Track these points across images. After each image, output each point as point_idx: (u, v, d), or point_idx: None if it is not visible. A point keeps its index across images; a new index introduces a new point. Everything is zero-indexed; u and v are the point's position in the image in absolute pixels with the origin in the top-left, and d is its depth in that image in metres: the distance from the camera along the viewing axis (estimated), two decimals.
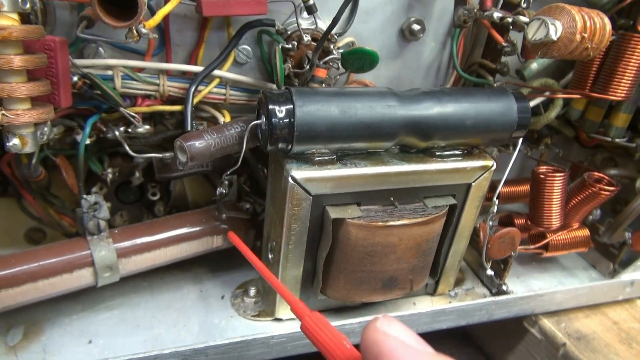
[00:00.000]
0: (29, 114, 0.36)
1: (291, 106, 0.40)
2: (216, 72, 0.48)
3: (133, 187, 0.56)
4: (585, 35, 0.43)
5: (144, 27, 0.35)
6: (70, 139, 0.48)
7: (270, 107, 0.40)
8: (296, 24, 0.48)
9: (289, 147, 0.41)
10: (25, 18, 0.39)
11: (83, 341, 0.47)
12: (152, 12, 0.44)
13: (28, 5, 0.35)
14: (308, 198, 0.43)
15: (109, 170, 0.51)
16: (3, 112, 0.35)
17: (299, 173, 0.42)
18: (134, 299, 0.52)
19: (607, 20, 0.45)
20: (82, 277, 0.46)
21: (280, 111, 0.40)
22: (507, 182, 0.68)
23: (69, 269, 0.45)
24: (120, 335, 0.48)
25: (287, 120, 0.40)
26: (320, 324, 0.27)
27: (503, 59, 0.56)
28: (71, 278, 0.45)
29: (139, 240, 0.48)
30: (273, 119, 0.40)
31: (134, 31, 0.35)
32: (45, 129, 0.39)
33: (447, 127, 0.45)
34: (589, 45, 0.44)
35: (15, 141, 0.37)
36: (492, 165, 0.48)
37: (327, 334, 0.26)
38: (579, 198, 0.57)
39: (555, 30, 0.42)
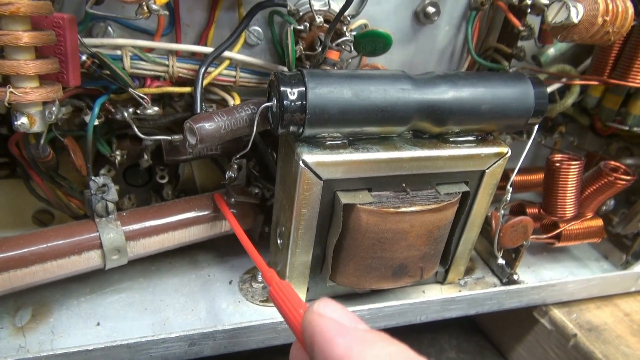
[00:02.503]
0: (37, 92, 0.35)
1: (303, 88, 0.39)
2: (226, 53, 0.47)
3: (141, 169, 0.55)
4: (607, 18, 0.42)
5: (155, 2, 0.34)
6: (79, 120, 0.48)
7: (282, 89, 0.39)
8: (308, 5, 0.47)
9: (300, 130, 0.41)
10: None
11: (91, 323, 0.47)
12: None
13: None
14: (319, 182, 0.42)
15: (117, 152, 0.50)
16: (11, 89, 0.34)
17: (310, 157, 0.41)
18: (142, 283, 0.52)
19: (629, 4, 0.43)
20: (90, 260, 0.45)
21: (292, 93, 0.39)
22: (521, 171, 0.67)
23: (77, 250, 0.44)
24: (128, 319, 0.47)
25: (299, 102, 0.39)
26: (285, 293, 0.29)
27: (519, 43, 0.54)
28: (79, 260, 0.45)
29: (147, 223, 0.48)
30: (284, 101, 0.39)
31: (145, 7, 0.34)
32: (54, 108, 0.39)
33: (462, 112, 0.44)
34: (610, 30, 0.43)
35: (23, 120, 0.36)
36: (507, 152, 0.47)
37: (289, 302, 0.27)
38: (594, 187, 0.56)
39: (577, 12, 0.41)
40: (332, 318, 0.22)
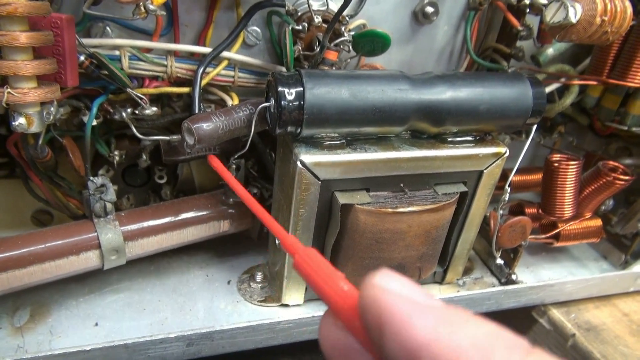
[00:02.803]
0: (35, 92, 0.35)
1: (301, 88, 0.39)
2: (225, 53, 0.47)
3: (140, 170, 0.55)
4: (606, 18, 0.42)
5: (152, 3, 0.34)
6: (77, 120, 0.48)
7: (280, 89, 0.39)
8: (307, 5, 0.47)
9: (298, 130, 0.41)
10: None
11: (89, 323, 0.47)
12: None
13: None
14: (317, 183, 0.42)
15: (116, 152, 0.50)
16: (9, 90, 0.34)
17: (308, 157, 0.41)
18: (140, 283, 0.52)
19: (628, 4, 0.43)
20: (88, 260, 0.45)
21: (290, 93, 0.39)
22: (520, 171, 0.67)
23: (75, 251, 0.44)
24: (127, 319, 0.48)
25: (297, 102, 0.39)
26: (314, 263, 0.23)
27: (518, 43, 0.54)
28: (78, 260, 0.45)
29: (145, 224, 0.48)
30: (282, 102, 0.39)
31: (142, 7, 0.34)
32: (52, 108, 0.39)
33: (460, 112, 0.44)
34: (609, 29, 0.43)
35: (21, 120, 0.36)
36: (505, 152, 0.47)
37: (321, 274, 0.22)
38: (593, 187, 0.56)
39: (575, 12, 0.41)
40: (403, 294, 0.18)
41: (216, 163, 0.44)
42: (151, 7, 0.34)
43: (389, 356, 0.17)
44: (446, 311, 0.18)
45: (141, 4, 0.33)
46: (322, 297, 0.22)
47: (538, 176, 0.66)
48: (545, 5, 0.42)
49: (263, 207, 0.34)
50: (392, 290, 0.18)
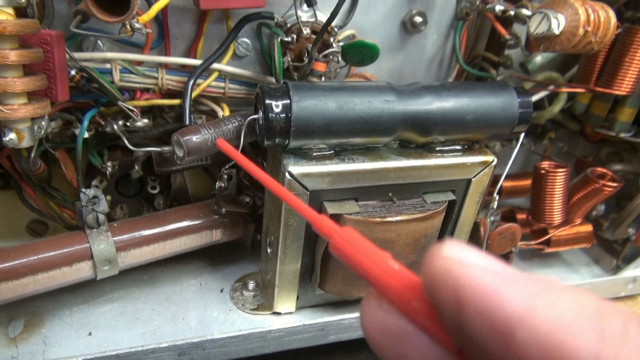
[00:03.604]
0: (25, 108, 0.36)
1: (288, 101, 0.40)
2: (215, 65, 0.48)
3: (133, 180, 0.56)
4: (589, 29, 0.42)
5: (138, 22, 0.35)
6: (70, 132, 0.48)
7: (267, 101, 0.39)
8: (296, 17, 0.47)
9: (286, 142, 0.41)
10: (22, 12, 0.39)
11: (83, 333, 0.47)
12: (150, 3, 0.44)
13: (23, 0, 0.35)
14: (305, 193, 0.42)
15: (109, 163, 0.51)
16: None
17: (296, 168, 0.41)
18: (133, 292, 0.53)
19: (612, 14, 0.44)
20: (81, 270, 0.46)
21: (277, 106, 0.40)
22: (511, 176, 0.67)
23: (68, 262, 0.45)
24: (120, 328, 0.48)
25: (284, 115, 0.40)
26: (356, 242, 0.21)
27: (507, 52, 0.55)
28: (70, 271, 0.45)
29: (138, 234, 0.48)
30: (270, 114, 0.39)
31: (127, 26, 0.34)
32: (43, 123, 0.39)
33: (447, 123, 0.44)
34: (593, 39, 0.43)
35: (12, 136, 0.37)
36: (493, 161, 0.48)
37: (366, 254, 0.20)
38: (582, 194, 0.56)
39: (558, 24, 0.41)
40: (482, 265, 0.16)
41: (225, 146, 0.41)
42: (137, 25, 0.35)
43: (472, 335, 0.15)
44: (537, 280, 0.15)
45: (127, 22, 0.34)
46: (369, 277, 0.20)
47: (530, 182, 0.66)
48: (529, 17, 0.43)
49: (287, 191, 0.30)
50: (467, 261, 0.16)
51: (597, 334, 0.13)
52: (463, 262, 0.16)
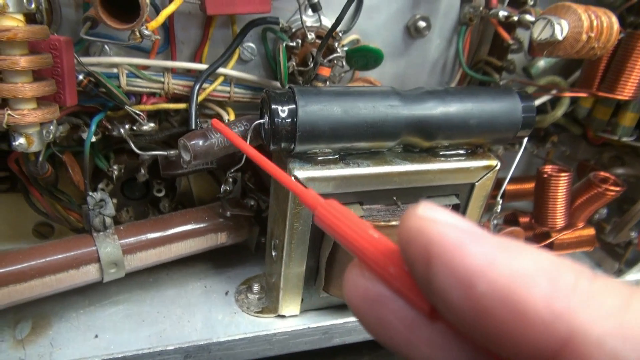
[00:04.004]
0: (35, 113, 0.36)
1: (294, 106, 0.40)
2: (220, 69, 0.48)
3: (139, 183, 0.56)
4: (592, 34, 0.43)
5: (147, 28, 0.35)
6: (77, 136, 0.49)
7: (273, 106, 0.40)
8: (300, 22, 0.48)
9: (292, 146, 0.42)
10: (31, 17, 0.39)
11: (89, 335, 0.48)
12: (157, 10, 0.44)
13: (33, 6, 0.35)
14: (310, 189, 0.43)
15: (115, 166, 0.51)
16: (9, 112, 0.35)
17: (302, 172, 0.42)
18: (139, 295, 0.53)
19: (614, 19, 0.44)
20: (88, 273, 0.46)
21: (283, 111, 0.40)
22: (514, 180, 0.67)
23: (75, 265, 0.45)
24: (126, 331, 0.48)
25: (290, 120, 0.40)
26: (339, 213, 0.22)
27: (510, 56, 0.55)
28: (77, 274, 0.46)
29: (144, 237, 0.49)
30: (275, 119, 0.40)
31: (137, 33, 0.35)
32: (51, 127, 0.40)
33: (451, 127, 0.45)
34: (596, 45, 0.44)
35: (21, 140, 0.37)
36: (496, 165, 0.48)
37: (347, 223, 0.21)
38: (584, 198, 0.56)
39: (561, 29, 0.41)
40: (452, 223, 0.16)
41: (220, 126, 0.40)
42: (146, 32, 0.35)
43: (439, 289, 0.16)
44: (501, 239, 0.16)
45: (136, 29, 0.34)
46: (350, 246, 0.21)
47: (532, 185, 0.66)
48: (533, 23, 0.43)
49: (277, 166, 0.30)
50: (439, 219, 0.17)
51: (550, 285, 0.14)
52: (435, 220, 0.17)
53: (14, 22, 0.34)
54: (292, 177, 0.41)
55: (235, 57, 0.50)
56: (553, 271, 0.15)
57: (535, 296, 0.14)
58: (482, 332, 0.15)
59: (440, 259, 0.16)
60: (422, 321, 0.17)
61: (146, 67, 0.47)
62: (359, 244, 0.20)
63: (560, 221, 0.56)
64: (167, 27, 0.47)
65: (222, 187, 0.51)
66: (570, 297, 0.14)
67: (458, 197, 0.49)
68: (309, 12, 0.49)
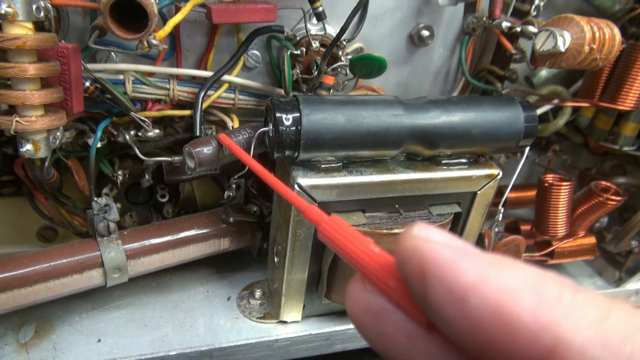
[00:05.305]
0: (42, 120, 0.37)
1: (298, 114, 0.41)
2: (225, 77, 0.49)
3: (143, 188, 0.57)
4: (594, 46, 0.43)
5: (154, 38, 0.36)
6: (82, 141, 0.49)
7: (277, 115, 0.40)
8: (305, 30, 0.48)
9: (296, 154, 0.42)
10: (39, 25, 0.40)
11: (92, 340, 0.48)
12: (163, 18, 0.45)
13: (42, 14, 0.36)
14: (314, 205, 0.43)
15: (119, 172, 0.52)
16: (17, 118, 0.36)
17: (305, 180, 0.42)
18: (142, 299, 0.53)
19: (616, 31, 0.44)
20: (92, 278, 0.47)
21: (287, 119, 0.40)
22: (516, 187, 0.68)
23: (79, 269, 0.46)
24: (129, 335, 0.49)
25: (294, 128, 0.40)
26: (341, 229, 0.23)
27: (512, 65, 0.56)
28: (81, 278, 0.46)
29: (147, 242, 0.49)
30: (280, 127, 0.40)
31: (145, 42, 0.35)
32: (58, 133, 0.40)
33: (453, 136, 0.45)
34: (598, 56, 0.44)
35: (28, 147, 0.38)
36: (498, 174, 0.48)
37: (350, 239, 0.22)
38: (585, 207, 0.57)
39: (564, 41, 0.42)
40: (445, 242, 0.18)
41: (228, 141, 0.42)
42: (154, 42, 0.36)
43: (434, 304, 0.17)
44: (491, 256, 0.17)
45: (144, 39, 0.35)
46: (352, 260, 0.22)
47: (534, 193, 0.67)
48: (535, 34, 0.44)
49: (283, 184, 0.32)
50: (433, 238, 0.18)
51: (536, 298, 0.15)
52: (428, 239, 0.18)
53: (24, 30, 0.34)
54: (296, 185, 0.42)
55: (240, 64, 0.50)
56: (539, 285, 0.16)
57: (523, 309, 0.15)
58: (475, 344, 0.16)
59: (435, 276, 0.17)
60: (420, 333, 0.18)
61: (152, 74, 0.48)
62: (360, 259, 0.21)
63: (561, 230, 0.56)
64: (173, 35, 0.47)
65: (226, 193, 0.51)
66: (555, 308, 0.15)
67: (460, 206, 0.49)
68: (314, 20, 0.49)
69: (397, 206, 0.47)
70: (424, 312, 0.18)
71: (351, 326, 0.51)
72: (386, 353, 0.19)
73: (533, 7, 0.50)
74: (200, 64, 0.50)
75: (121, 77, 0.46)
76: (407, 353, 0.18)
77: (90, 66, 0.44)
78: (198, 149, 0.42)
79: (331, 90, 0.50)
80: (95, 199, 0.47)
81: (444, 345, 0.18)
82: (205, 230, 0.52)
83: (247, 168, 0.48)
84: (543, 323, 0.15)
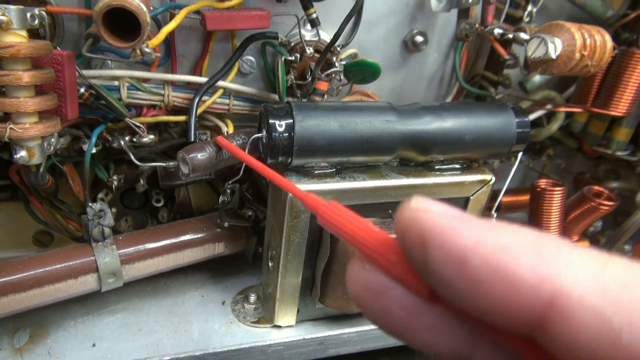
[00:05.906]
0: (36, 127, 0.37)
1: (291, 121, 0.41)
2: (220, 82, 0.49)
3: (138, 193, 0.57)
4: (585, 53, 0.43)
5: (147, 46, 0.36)
6: (77, 147, 0.49)
7: (271, 121, 0.41)
8: (299, 36, 0.49)
9: (289, 160, 0.42)
10: (34, 32, 0.40)
11: (87, 344, 0.48)
12: (158, 25, 0.45)
13: (37, 22, 0.36)
14: (307, 210, 0.43)
15: (115, 177, 0.52)
16: (11, 126, 0.36)
17: (299, 186, 0.42)
18: (137, 304, 0.54)
19: (607, 38, 0.45)
20: (86, 283, 0.47)
21: (280, 125, 0.41)
22: (510, 192, 0.68)
23: (74, 274, 0.46)
24: (123, 340, 0.49)
25: (287, 134, 0.41)
26: (340, 212, 0.23)
27: (506, 71, 0.56)
28: (76, 283, 0.46)
29: (142, 247, 0.49)
30: (273, 133, 0.40)
31: (137, 51, 0.35)
32: (52, 140, 0.40)
33: (446, 142, 0.45)
34: (589, 63, 0.44)
35: (22, 153, 0.38)
36: (491, 180, 0.49)
37: (349, 220, 0.23)
38: (579, 211, 0.57)
39: (555, 48, 0.42)
40: (443, 211, 0.18)
41: (225, 143, 0.43)
42: (147, 50, 0.36)
43: (435, 269, 0.17)
44: (488, 221, 0.18)
45: (137, 47, 0.35)
46: (352, 239, 0.22)
47: (528, 197, 0.67)
48: (527, 41, 0.44)
49: (281, 176, 0.33)
50: (431, 209, 0.18)
51: (534, 254, 0.16)
52: (427, 210, 0.18)
53: (18, 38, 0.34)
54: None
55: (235, 70, 0.51)
56: (537, 243, 0.16)
57: (522, 265, 0.16)
58: (476, 304, 0.16)
59: (435, 242, 0.17)
60: (421, 307, 0.19)
61: (147, 80, 0.48)
62: (360, 237, 0.21)
63: (554, 234, 0.56)
64: (168, 41, 0.48)
65: (220, 198, 0.51)
66: (553, 263, 0.15)
67: None
68: (308, 26, 0.49)
69: (390, 212, 0.47)
70: (425, 280, 0.18)
71: (345, 330, 0.51)
72: (389, 329, 0.20)
73: (526, 13, 0.50)
74: (195, 70, 0.50)
75: (116, 83, 0.46)
76: (409, 327, 0.19)
77: (86, 72, 0.44)
78: (192, 155, 0.42)
79: (325, 96, 0.50)
80: (90, 204, 0.47)
81: (444, 316, 0.18)
82: (200, 235, 0.53)
83: (241, 173, 0.48)
84: (542, 277, 0.15)
